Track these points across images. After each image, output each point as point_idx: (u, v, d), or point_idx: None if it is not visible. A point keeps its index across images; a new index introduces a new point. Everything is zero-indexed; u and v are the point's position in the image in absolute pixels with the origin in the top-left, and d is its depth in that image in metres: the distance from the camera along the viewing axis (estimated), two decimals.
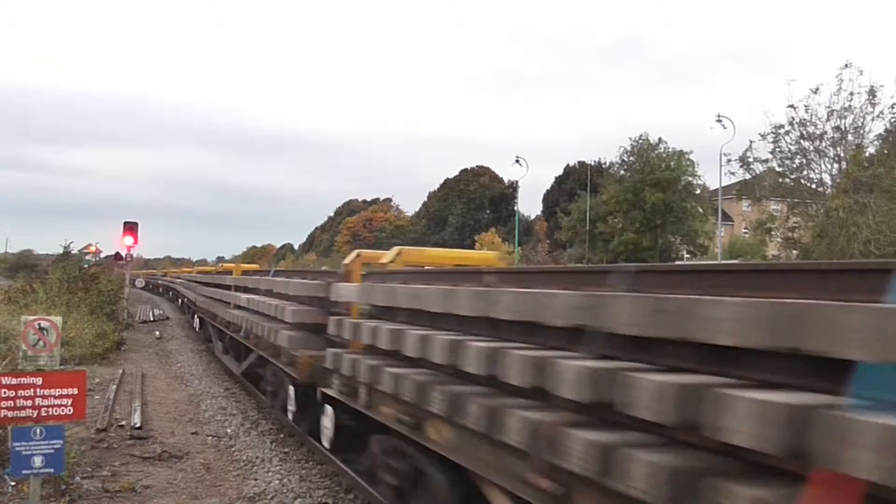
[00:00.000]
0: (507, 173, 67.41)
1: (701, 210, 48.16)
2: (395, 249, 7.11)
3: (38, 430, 5.05)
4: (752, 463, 2.10)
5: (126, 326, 21.84)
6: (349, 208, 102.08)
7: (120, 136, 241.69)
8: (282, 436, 8.89)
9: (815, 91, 31.96)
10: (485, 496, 3.62)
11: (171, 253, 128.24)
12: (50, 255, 50.59)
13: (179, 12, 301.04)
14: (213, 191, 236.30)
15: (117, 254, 28.10)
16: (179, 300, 29.73)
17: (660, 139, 48.58)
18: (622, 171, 49.53)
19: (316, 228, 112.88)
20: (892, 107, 31.01)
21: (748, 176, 36.31)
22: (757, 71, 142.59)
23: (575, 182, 60.83)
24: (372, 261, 7.16)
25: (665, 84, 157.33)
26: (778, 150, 33.90)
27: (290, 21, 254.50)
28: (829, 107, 31.84)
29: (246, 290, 11.99)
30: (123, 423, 9.22)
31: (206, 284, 18.82)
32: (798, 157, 33.82)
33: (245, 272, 15.68)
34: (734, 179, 38.83)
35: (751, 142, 35.05)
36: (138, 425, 9.06)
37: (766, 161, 34.60)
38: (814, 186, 34.18)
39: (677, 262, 37.08)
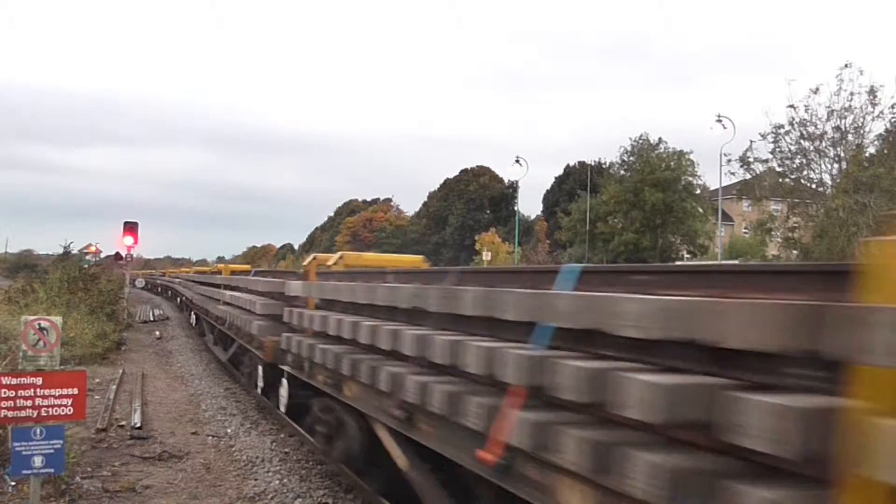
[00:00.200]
0: (507, 173, 67.55)
1: (701, 210, 48.18)
2: (339, 254, 8.60)
3: (38, 430, 5.05)
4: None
5: (126, 326, 21.83)
6: (349, 208, 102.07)
7: (120, 136, 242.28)
8: (282, 436, 8.89)
9: (815, 91, 32.02)
10: (375, 432, 5.06)
11: (171, 253, 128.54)
12: (50, 255, 50.72)
13: (179, 12, 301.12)
14: (213, 191, 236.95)
15: (117, 254, 28.12)
16: (178, 299, 31.18)
17: (660, 139, 48.67)
18: (622, 171, 49.56)
19: (316, 228, 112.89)
20: (893, 107, 31.03)
21: (748, 176, 36.35)
22: (757, 71, 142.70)
23: (575, 182, 60.82)
24: (323, 262, 8.35)
25: (665, 84, 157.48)
26: (778, 150, 33.96)
27: (291, 21, 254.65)
28: (829, 107, 31.89)
29: (231, 288, 13.25)
30: (123, 423, 9.22)
31: (201, 283, 20.24)
32: (798, 157, 33.86)
33: (232, 272, 17.28)
34: (734, 179, 38.90)
35: (751, 142, 35.13)
36: (138, 425, 9.06)
37: (766, 161, 34.66)
38: (814, 186, 34.19)
39: (677, 263, 37.13)
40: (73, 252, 33.14)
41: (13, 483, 6.02)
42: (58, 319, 5.78)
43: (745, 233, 51.26)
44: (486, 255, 51.12)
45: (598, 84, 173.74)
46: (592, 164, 58.89)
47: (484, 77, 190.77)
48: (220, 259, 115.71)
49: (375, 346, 4.69)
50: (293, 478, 7.13)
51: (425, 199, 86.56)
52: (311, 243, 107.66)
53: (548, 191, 70.24)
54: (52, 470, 5.17)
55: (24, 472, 5.06)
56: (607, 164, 54.98)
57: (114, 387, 11.42)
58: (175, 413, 10.26)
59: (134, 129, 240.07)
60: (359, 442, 5.66)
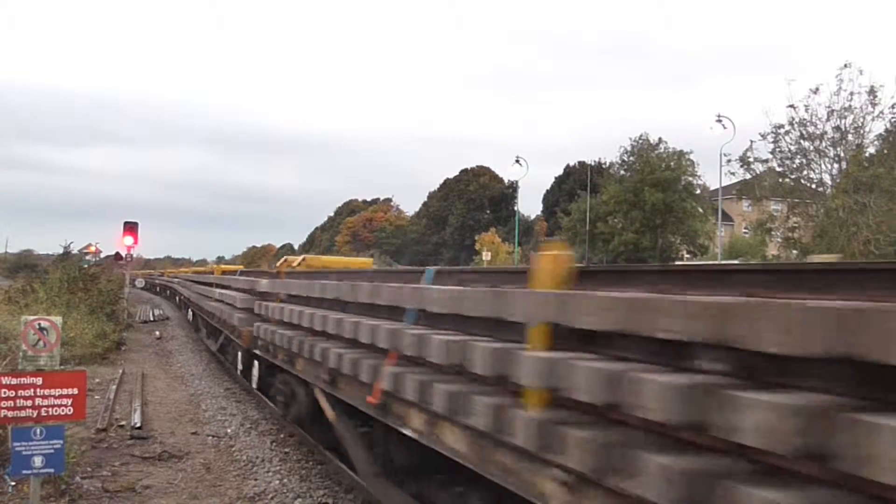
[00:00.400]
0: (507, 173, 67.54)
1: (701, 210, 48.17)
2: (302, 256, 10.24)
3: (38, 430, 5.05)
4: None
5: (126, 326, 21.83)
6: (349, 208, 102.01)
7: (120, 136, 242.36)
8: (282, 436, 8.89)
9: (815, 91, 31.99)
10: (315, 395, 6.54)
11: (171, 253, 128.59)
12: (50, 255, 50.73)
13: (179, 12, 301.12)
14: (213, 191, 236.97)
15: (117, 254, 28.11)
16: (177, 297, 32.20)
17: (660, 139, 48.65)
18: (622, 171, 49.55)
19: (316, 228, 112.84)
20: (893, 107, 31.01)
21: (748, 176, 36.32)
22: (757, 71, 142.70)
23: (575, 182, 60.82)
24: (291, 264, 9.66)
25: (665, 84, 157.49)
26: (778, 150, 33.94)
27: (291, 21, 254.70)
28: (829, 107, 31.87)
29: (220, 286, 14.70)
30: (123, 423, 9.22)
31: (196, 283, 22.04)
32: (798, 157, 33.84)
33: (223, 272, 18.61)
34: (734, 179, 38.87)
35: (751, 142, 35.11)
36: (138, 425, 9.06)
37: (766, 161, 34.63)
38: (814, 186, 34.18)
39: (675, 263, 37.11)
40: (73, 252, 33.14)
41: (13, 483, 6.02)
42: (58, 319, 5.77)
43: (745, 233, 51.26)
44: (486, 255, 51.12)
45: (598, 84, 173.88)
46: (592, 164, 58.91)
47: (484, 77, 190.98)
48: (220, 259, 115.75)
49: (313, 329, 6.21)
50: (293, 478, 7.13)
51: (425, 199, 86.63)
52: (311, 243, 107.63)
53: (548, 191, 70.27)
54: (52, 470, 5.18)
55: (24, 472, 5.06)
56: (607, 164, 55.01)
57: (114, 387, 11.42)
58: (175, 413, 10.26)
59: (134, 129, 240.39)
60: (306, 405, 7.17)
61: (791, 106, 32.67)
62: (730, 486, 1.85)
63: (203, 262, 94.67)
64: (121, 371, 13.34)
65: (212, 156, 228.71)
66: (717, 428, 1.94)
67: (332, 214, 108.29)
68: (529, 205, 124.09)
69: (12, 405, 5.00)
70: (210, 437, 8.85)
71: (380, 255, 73.06)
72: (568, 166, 68.48)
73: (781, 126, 33.29)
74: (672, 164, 47.12)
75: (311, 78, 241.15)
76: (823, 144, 32.83)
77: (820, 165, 33.63)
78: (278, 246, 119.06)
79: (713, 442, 2.07)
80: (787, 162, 34.22)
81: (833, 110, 31.75)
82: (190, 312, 22.60)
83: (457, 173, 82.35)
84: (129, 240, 24.58)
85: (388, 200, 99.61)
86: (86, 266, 27.27)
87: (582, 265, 3.40)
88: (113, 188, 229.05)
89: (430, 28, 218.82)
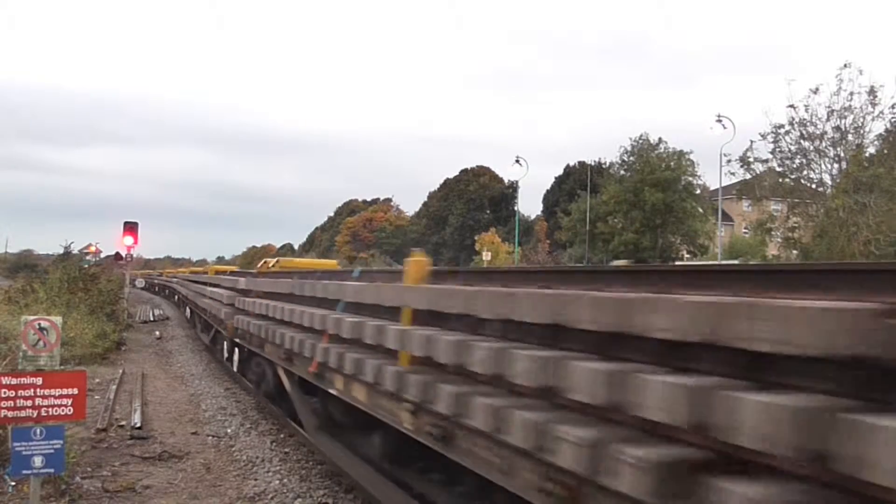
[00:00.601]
0: (507, 173, 67.50)
1: (701, 210, 48.16)
2: (276, 259, 12.14)
3: (38, 430, 5.05)
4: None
5: (126, 326, 21.84)
6: (349, 208, 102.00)
7: (120, 136, 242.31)
8: (282, 436, 8.90)
9: (815, 91, 31.99)
10: (278, 373, 7.99)
11: (171, 253, 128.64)
12: (50, 255, 50.71)
13: (179, 12, 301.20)
14: (213, 191, 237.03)
15: (117, 254, 28.11)
16: (175, 296, 33.13)
17: (660, 139, 48.64)
18: (622, 171, 49.54)
19: (316, 228, 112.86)
20: (893, 107, 31.01)
21: (748, 176, 36.32)
22: (757, 71, 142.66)
23: (575, 182, 60.80)
24: (268, 265, 11.67)
25: (665, 84, 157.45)
26: (778, 150, 33.94)
27: (291, 21, 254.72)
28: (829, 107, 31.87)
29: (212, 285, 16.05)
30: (123, 423, 9.22)
31: (193, 282, 23.52)
32: (798, 157, 33.83)
33: (216, 272, 20.02)
34: (734, 179, 38.87)
35: (751, 142, 35.10)
36: (138, 425, 9.06)
37: (766, 161, 34.63)
38: (814, 186, 34.17)
39: (676, 263, 37.09)
40: (73, 252, 33.14)
41: (13, 483, 6.02)
42: (58, 319, 5.77)
43: (745, 233, 51.26)
44: (486, 255, 51.11)
45: (598, 84, 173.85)
46: (592, 164, 58.89)
47: (484, 77, 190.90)
48: (220, 259, 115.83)
49: (276, 318, 7.72)
50: (293, 478, 7.13)
51: (425, 199, 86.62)
52: (311, 243, 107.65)
53: (548, 191, 70.23)
54: (52, 470, 5.17)
55: (24, 472, 5.06)
56: (607, 164, 54.99)
57: (114, 387, 11.42)
58: (175, 413, 10.26)
59: (134, 129, 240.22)
60: (272, 381, 8.87)
61: (791, 106, 32.69)
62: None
63: (203, 262, 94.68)
64: (121, 371, 13.34)
65: (212, 156, 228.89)
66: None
67: (332, 214, 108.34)
68: (529, 205, 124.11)
69: (12, 405, 5.00)
70: (210, 437, 8.85)
71: (380, 255, 73.07)
72: (568, 166, 68.48)
73: (781, 126, 33.31)
74: (672, 164, 47.11)
75: (311, 78, 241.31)
76: (823, 144, 32.83)
77: (820, 165, 33.65)
78: (278, 246, 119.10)
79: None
80: (787, 162, 34.22)
81: (833, 110, 31.76)
82: (188, 310, 24.00)
83: (457, 173, 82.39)
84: (129, 240, 24.59)
85: (388, 200, 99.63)
86: (86, 266, 27.27)
87: (435, 268, 4.59)
88: (113, 188, 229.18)
89: (430, 28, 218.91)
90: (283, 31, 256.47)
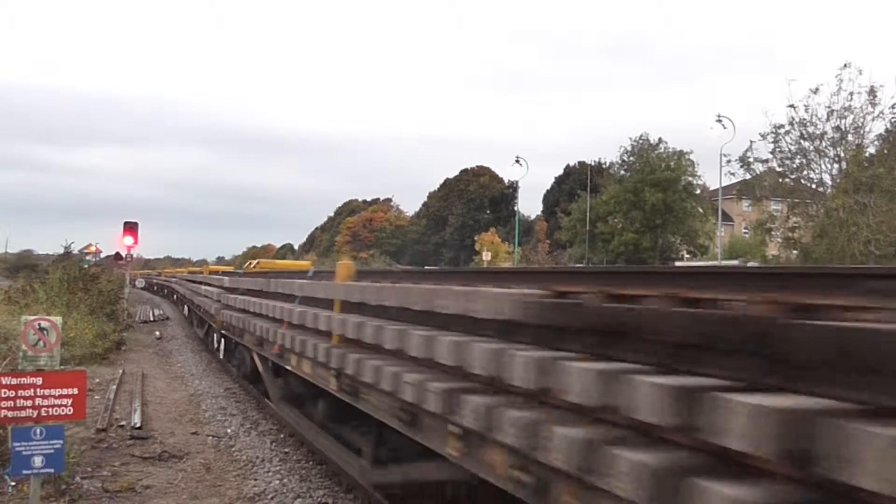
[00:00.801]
0: (507, 173, 67.47)
1: (701, 210, 48.16)
2: (257, 260, 18.69)
3: (38, 430, 5.05)
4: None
5: (126, 326, 21.83)
6: (349, 208, 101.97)
7: (120, 136, 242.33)
8: (282, 436, 8.90)
9: (815, 91, 31.97)
10: (253, 357, 9.57)
11: (171, 253, 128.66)
12: (50, 255, 50.69)
13: (179, 12, 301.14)
14: (213, 191, 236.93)
15: (117, 254, 28.12)
16: (174, 295, 34.13)
17: (660, 139, 48.64)
18: (622, 171, 49.54)
19: (316, 228, 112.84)
20: (893, 107, 30.99)
21: (748, 176, 36.30)
22: (757, 71, 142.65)
23: (575, 182, 60.79)
24: (251, 266, 13.84)
25: (665, 84, 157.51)
26: (778, 150, 33.91)
27: (291, 21, 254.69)
28: (829, 107, 31.84)
29: (206, 284, 17.44)
30: (123, 423, 9.22)
31: (190, 282, 25.02)
32: (798, 157, 33.82)
33: (210, 272, 22.06)
34: (734, 179, 38.86)
35: (751, 142, 35.06)
36: (138, 425, 9.06)
37: (766, 161, 34.60)
38: (814, 186, 34.15)
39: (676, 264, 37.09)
40: (73, 252, 33.16)
41: (13, 483, 6.02)
42: (58, 319, 5.78)
43: (745, 233, 51.26)
44: (486, 255, 51.11)
45: (598, 84, 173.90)
46: (592, 164, 58.89)
47: (484, 77, 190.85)
48: (220, 259, 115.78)
49: (250, 311, 9.26)
50: (293, 478, 7.13)
51: (425, 199, 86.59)
52: (311, 243, 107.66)
53: (548, 191, 70.22)
54: (52, 470, 5.18)
55: (25, 472, 5.06)
56: (607, 164, 55.01)
57: (114, 387, 11.42)
58: (175, 413, 10.26)
59: (134, 129, 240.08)
60: (249, 365, 10.52)
61: (791, 106, 32.67)
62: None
63: (203, 263, 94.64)
64: (121, 371, 13.34)
65: (212, 156, 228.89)
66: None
67: (332, 214, 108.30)
68: (529, 205, 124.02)
69: (12, 405, 5.00)
70: (210, 437, 8.85)
71: (380, 255, 73.06)
72: (568, 166, 68.47)
73: (781, 126, 33.29)
74: (672, 164, 47.10)
75: (311, 78, 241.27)
76: (823, 144, 32.82)
77: (820, 165, 33.63)
78: (278, 246, 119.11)
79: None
80: (787, 162, 34.20)
81: (833, 110, 31.74)
82: (186, 308, 25.68)
83: (457, 173, 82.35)
84: (129, 240, 24.59)
85: (388, 200, 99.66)
86: (86, 266, 27.28)
87: (361, 269, 6.36)
88: (113, 188, 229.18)
89: (430, 28, 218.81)
90: (283, 31, 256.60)
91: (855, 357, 1.71)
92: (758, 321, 1.99)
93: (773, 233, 34.80)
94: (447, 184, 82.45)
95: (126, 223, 24.48)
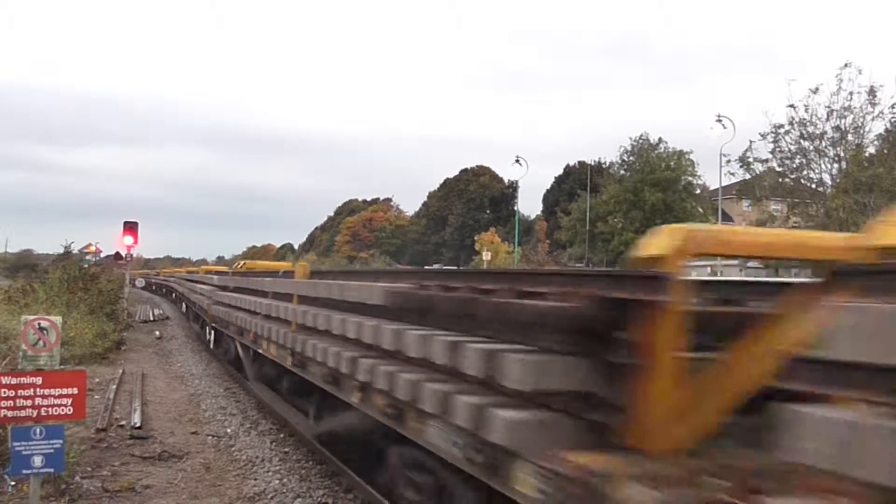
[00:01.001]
0: (507, 173, 67.47)
1: (701, 210, 48.11)
2: (243, 262, 18.96)
3: (37, 430, 5.05)
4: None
5: (126, 326, 21.83)
6: (349, 208, 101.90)
7: (120, 136, 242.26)
8: (282, 436, 8.90)
9: (815, 91, 31.90)
10: (236, 345, 11.53)
11: (171, 253, 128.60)
12: (50, 255, 50.69)
13: (179, 12, 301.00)
14: (213, 191, 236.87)
15: (117, 254, 28.13)
16: (173, 294, 35.42)
17: (660, 139, 48.58)
18: (622, 171, 49.51)
19: (316, 228, 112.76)
20: (893, 107, 30.96)
21: (748, 176, 36.26)
22: (757, 71, 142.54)
23: (575, 182, 60.76)
24: (240, 266, 15.20)
25: (665, 84, 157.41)
26: (778, 150, 33.84)
27: (291, 21, 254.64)
28: (828, 107, 31.78)
29: (201, 283, 19.18)
30: (123, 422, 9.22)
31: (188, 281, 26.80)
32: (798, 156, 33.75)
33: (206, 272, 23.75)
34: (734, 179, 38.78)
35: (751, 142, 34.99)
36: (138, 425, 9.06)
37: (766, 161, 34.52)
38: (814, 186, 34.11)
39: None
40: (73, 252, 33.15)
41: (13, 483, 6.02)
42: (58, 319, 5.77)
43: None
44: (486, 255, 51.09)
45: (598, 84, 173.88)
46: (592, 164, 58.87)
47: (484, 77, 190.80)
48: (220, 259, 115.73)
49: (233, 305, 11.01)
50: (293, 477, 7.13)
51: (425, 199, 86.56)
52: (311, 243, 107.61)
53: (548, 191, 70.19)
54: (51, 470, 5.18)
55: (24, 471, 5.06)
56: (607, 164, 54.97)
57: (114, 386, 11.42)
58: (175, 413, 10.26)
59: (134, 129, 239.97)
60: (233, 352, 12.23)
61: (791, 106, 32.61)
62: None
63: (203, 262, 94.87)
64: (121, 371, 13.34)
65: (212, 156, 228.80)
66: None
67: (332, 214, 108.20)
68: (529, 205, 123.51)
69: (12, 405, 5.00)
70: (210, 437, 8.85)
71: (379, 255, 73.04)
72: (568, 166, 68.44)
73: (781, 126, 33.23)
74: (672, 164, 47.09)
75: (310, 78, 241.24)
76: (823, 144, 32.77)
77: (820, 165, 33.58)
78: (278, 246, 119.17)
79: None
80: (787, 162, 34.14)
81: (833, 110, 31.70)
82: (183, 305, 27.45)
83: (457, 173, 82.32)
84: (129, 240, 24.60)
85: (388, 200, 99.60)
86: (86, 266, 27.27)
87: (314, 269, 8.72)
88: (113, 188, 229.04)
89: (430, 28, 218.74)
90: (283, 31, 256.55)
91: (498, 315, 3.31)
92: (465, 299, 3.76)
93: None
94: (447, 184, 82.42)
95: (126, 223, 24.49)
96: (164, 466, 7.46)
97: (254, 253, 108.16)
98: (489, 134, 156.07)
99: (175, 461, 7.67)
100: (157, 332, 22.30)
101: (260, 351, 8.57)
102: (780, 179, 34.65)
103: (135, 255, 28.82)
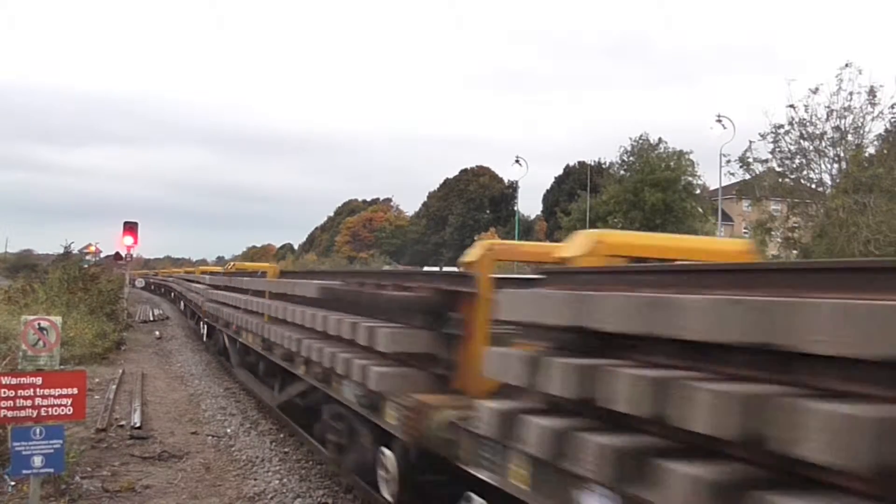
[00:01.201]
0: (507, 173, 67.50)
1: (701, 210, 48.15)
2: (233, 263, 21.25)
3: (37, 430, 5.05)
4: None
5: (126, 326, 21.83)
6: (349, 208, 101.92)
7: (120, 136, 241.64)
8: (282, 436, 8.90)
9: (815, 91, 31.88)
10: (224, 336, 13.54)
11: (171, 253, 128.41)
12: (50, 255, 50.69)
13: (180, 12, 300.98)
14: (213, 191, 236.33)
15: (117, 254, 28.12)
16: (172, 293, 37.03)
17: (660, 139, 48.55)
18: (622, 171, 49.51)
19: (316, 228, 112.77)
20: (892, 107, 30.94)
21: (748, 176, 36.26)
22: (757, 71, 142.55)
23: (575, 182, 60.79)
24: (231, 267, 16.71)
25: (665, 84, 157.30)
26: (778, 150, 33.82)
27: (291, 21, 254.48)
28: (828, 107, 31.76)
29: (197, 282, 20.61)
30: (123, 422, 9.22)
31: (186, 280, 27.78)
32: (798, 157, 33.74)
33: (202, 272, 23.33)
34: (734, 179, 38.77)
35: (751, 142, 34.96)
36: (138, 425, 9.06)
37: (766, 161, 34.50)
38: (814, 186, 34.11)
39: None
40: (73, 252, 33.15)
41: (13, 483, 6.02)
42: (57, 319, 5.78)
43: (745, 233, 51.21)
44: None
45: (598, 84, 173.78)
46: (592, 164, 58.89)
47: (484, 77, 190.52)
48: (220, 259, 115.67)
49: (222, 302, 12.60)
50: (293, 477, 7.13)
51: (425, 199, 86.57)
52: (310, 243, 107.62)
53: (548, 191, 70.21)
54: (51, 470, 5.18)
55: (24, 471, 5.06)
56: (607, 164, 54.96)
57: (113, 387, 11.42)
58: (175, 413, 10.26)
59: (134, 129, 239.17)
60: (221, 344, 13.86)
61: (791, 106, 32.59)
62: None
63: (203, 262, 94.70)
64: (120, 371, 13.34)
65: (212, 156, 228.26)
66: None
67: (332, 214, 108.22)
68: (529, 205, 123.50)
69: (12, 405, 5.00)
70: (210, 437, 8.85)
71: (379, 255, 73.05)
72: (568, 166, 68.46)
73: (781, 126, 33.21)
74: (672, 164, 47.09)
75: (310, 78, 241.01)
76: (823, 144, 32.75)
77: (820, 165, 33.55)
78: (278, 246, 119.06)
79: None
80: (787, 162, 34.12)
81: (833, 110, 31.68)
82: (181, 303, 28.70)
83: (457, 173, 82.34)
84: (128, 240, 24.59)
85: (388, 200, 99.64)
86: (86, 266, 27.28)
87: (283, 270, 10.92)
88: (113, 188, 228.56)
89: (430, 28, 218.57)
90: (283, 31, 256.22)
91: (376, 303, 5.17)
92: (358, 292, 5.47)
93: (772, 233, 34.74)
94: (447, 184, 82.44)
95: (126, 223, 24.48)
96: (164, 466, 7.46)
97: (254, 253, 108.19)
98: (489, 134, 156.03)
99: (175, 461, 7.67)
100: (157, 332, 22.31)
101: (240, 340, 10.57)
102: (780, 179, 34.64)
103: (135, 256, 28.82)
